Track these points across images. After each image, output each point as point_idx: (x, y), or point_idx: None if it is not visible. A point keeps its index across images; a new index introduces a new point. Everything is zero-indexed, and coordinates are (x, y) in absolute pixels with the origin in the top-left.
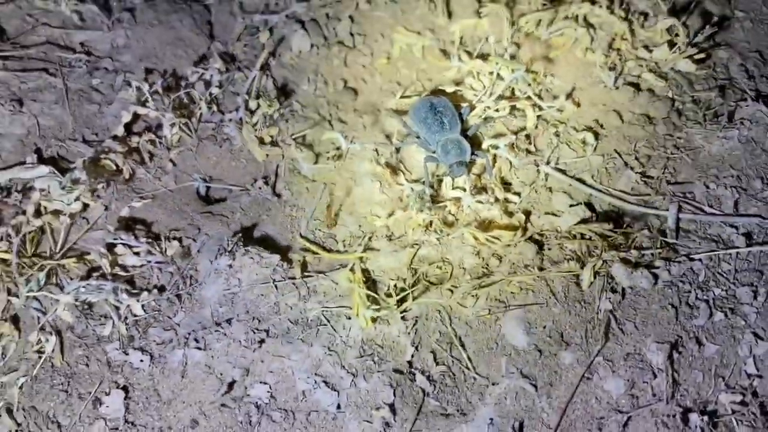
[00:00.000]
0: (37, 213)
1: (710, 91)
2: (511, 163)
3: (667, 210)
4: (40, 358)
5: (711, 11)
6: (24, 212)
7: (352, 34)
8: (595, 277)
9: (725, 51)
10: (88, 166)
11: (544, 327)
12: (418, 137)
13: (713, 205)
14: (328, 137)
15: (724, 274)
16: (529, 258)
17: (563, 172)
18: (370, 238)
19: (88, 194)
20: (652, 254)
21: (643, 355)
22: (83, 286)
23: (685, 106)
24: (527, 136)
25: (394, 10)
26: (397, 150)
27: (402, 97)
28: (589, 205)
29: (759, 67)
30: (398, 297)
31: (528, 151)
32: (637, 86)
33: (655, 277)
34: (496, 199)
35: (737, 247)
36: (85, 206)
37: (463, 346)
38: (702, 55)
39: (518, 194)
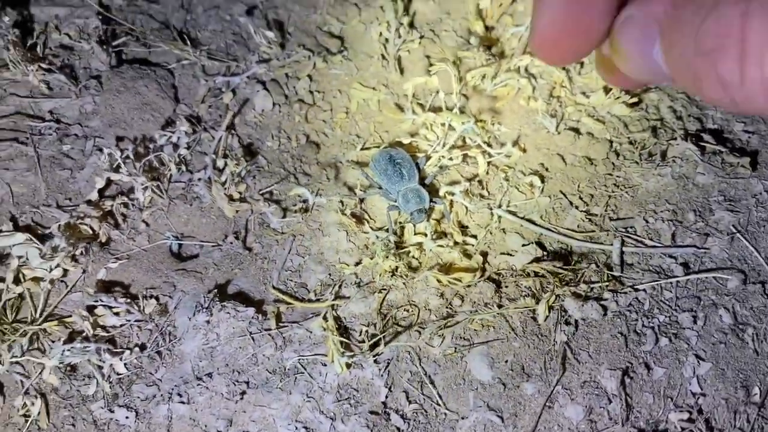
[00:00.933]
0: (17, 280)
1: (644, 132)
2: (466, 207)
3: (612, 245)
4: (26, 421)
5: None
6: (3, 280)
7: (311, 92)
8: (549, 311)
9: (655, 94)
10: (65, 232)
11: (506, 361)
12: (380, 187)
13: (653, 238)
14: (295, 192)
15: (667, 302)
16: (488, 296)
17: (514, 213)
18: (340, 286)
19: (67, 260)
20: (600, 287)
21: (598, 382)
22: (68, 350)
23: (622, 146)
24: (480, 182)
25: (350, 67)
26: (361, 200)
27: (362, 149)
28: (540, 244)
29: (686, 108)
30: (371, 342)
31: (481, 196)
32: (577, 130)
33: (604, 308)
34: (455, 243)
35: (677, 276)
36: (65, 272)
37: (432, 383)
38: (635, 99)
39: (475, 237)
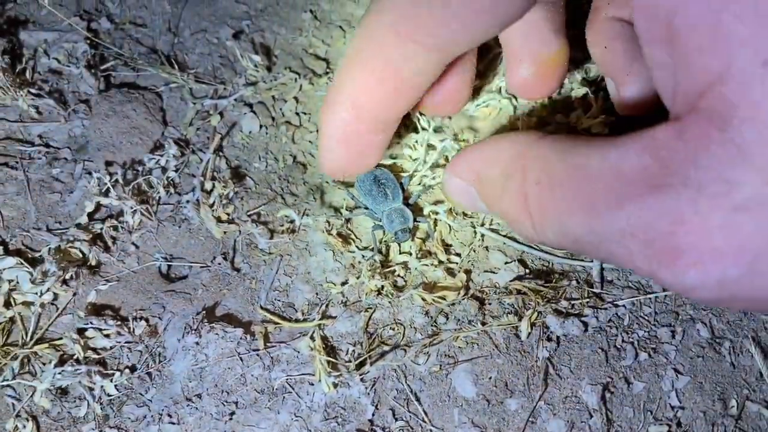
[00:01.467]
0: (7, 304)
1: None
2: (450, 226)
3: (592, 262)
4: None
5: None
6: None
7: (297, 114)
8: (532, 328)
9: None
10: (55, 256)
11: (490, 377)
12: (365, 208)
13: None
14: (282, 213)
15: (646, 317)
16: (472, 314)
17: (497, 231)
18: (327, 305)
19: (58, 284)
20: (581, 304)
21: (579, 397)
22: (59, 372)
23: None
24: None
25: None
26: (347, 220)
27: None
28: (522, 262)
29: None
30: (357, 361)
31: (465, 215)
32: None
33: (585, 324)
34: (440, 261)
35: (655, 292)
36: (56, 296)
37: (418, 401)
38: (612, 118)
39: (459, 255)
